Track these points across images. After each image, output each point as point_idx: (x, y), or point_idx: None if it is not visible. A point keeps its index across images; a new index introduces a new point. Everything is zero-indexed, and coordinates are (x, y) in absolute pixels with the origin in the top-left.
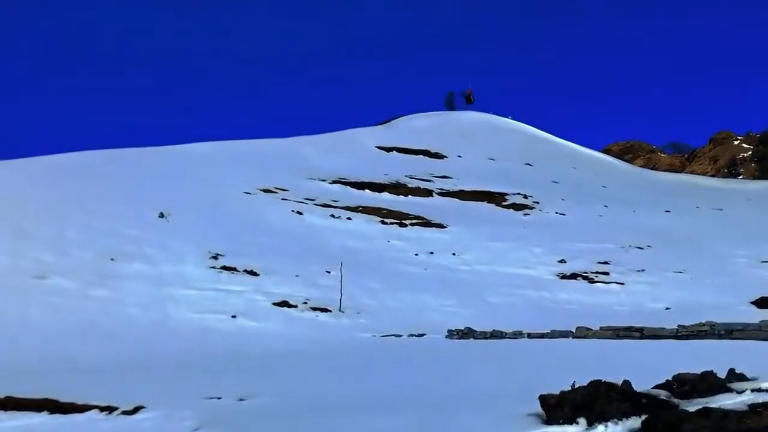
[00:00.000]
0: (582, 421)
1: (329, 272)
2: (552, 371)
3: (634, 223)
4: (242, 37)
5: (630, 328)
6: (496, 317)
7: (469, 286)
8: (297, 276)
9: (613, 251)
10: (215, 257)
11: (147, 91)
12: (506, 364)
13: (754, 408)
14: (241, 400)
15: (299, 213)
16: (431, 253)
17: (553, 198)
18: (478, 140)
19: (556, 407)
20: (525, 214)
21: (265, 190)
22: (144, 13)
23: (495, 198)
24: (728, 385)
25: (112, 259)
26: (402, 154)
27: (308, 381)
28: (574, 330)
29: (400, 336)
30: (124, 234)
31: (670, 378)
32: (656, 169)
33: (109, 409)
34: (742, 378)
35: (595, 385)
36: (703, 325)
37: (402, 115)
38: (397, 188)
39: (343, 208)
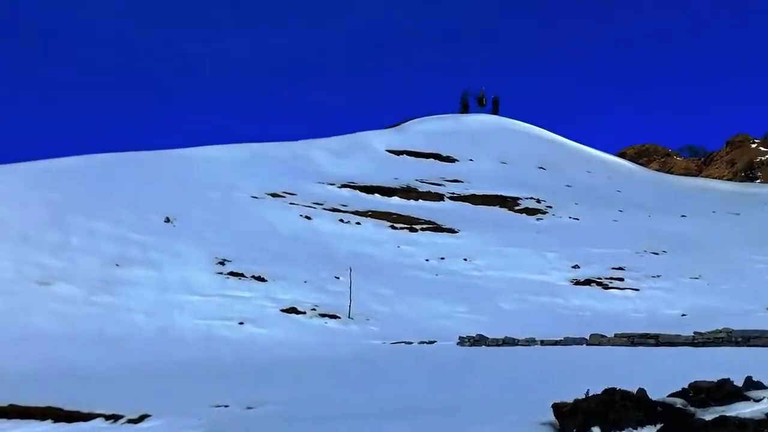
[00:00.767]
0: (596, 429)
1: (338, 278)
2: (565, 379)
3: (649, 227)
4: (248, 37)
5: (645, 335)
6: (509, 324)
7: (480, 292)
8: (305, 282)
9: (628, 257)
10: (222, 263)
11: (153, 93)
12: (519, 372)
13: None
14: (249, 408)
15: (308, 218)
16: (442, 258)
17: (567, 202)
18: (490, 143)
19: (569, 416)
20: (538, 219)
21: (273, 195)
22: (148, 13)
23: (507, 202)
24: (745, 393)
25: (117, 265)
26: (412, 158)
27: (317, 389)
28: (587, 337)
29: (411, 343)
30: (129, 239)
31: (686, 386)
32: (672, 173)
33: (114, 418)
34: (759, 386)
35: (610, 393)
36: (720, 332)
37: (413, 118)
38: (408, 192)
39: (352, 212)
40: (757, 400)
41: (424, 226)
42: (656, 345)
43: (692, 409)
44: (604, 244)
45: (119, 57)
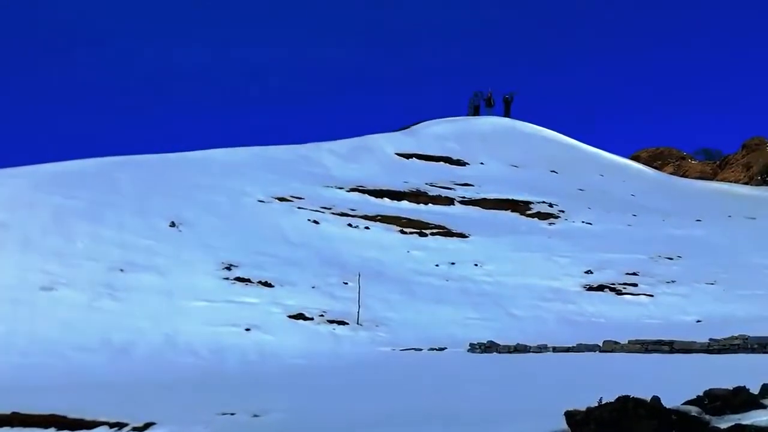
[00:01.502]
0: None
1: (347, 284)
2: (578, 386)
3: (663, 232)
4: (254, 39)
5: (659, 342)
6: (520, 330)
7: (491, 298)
8: (313, 287)
9: (642, 262)
10: (228, 268)
11: (158, 96)
12: (531, 379)
13: None
14: (256, 416)
15: (315, 222)
16: (452, 263)
17: (580, 206)
18: (501, 146)
19: (582, 424)
20: (550, 224)
21: (281, 199)
22: (153, 19)
23: (519, 206)
24: (762, 401)
25: (121, 270)
26: (422, 161)
27: (325, 396)
28: (601, 344)
29: (420, 350)
30: (134, 244)
31: (701, 394)
32: (687, 177)
33: (119, 426)
34: None
35: (623, 401)
36: (736, 338)
37: (422, 121)
38: (418, 196)
39: (361, 217)
40: None
41: (434, 230)
42: (671, 352)
43: (707, 417)
44: (617, 249)
45: (125, 60)
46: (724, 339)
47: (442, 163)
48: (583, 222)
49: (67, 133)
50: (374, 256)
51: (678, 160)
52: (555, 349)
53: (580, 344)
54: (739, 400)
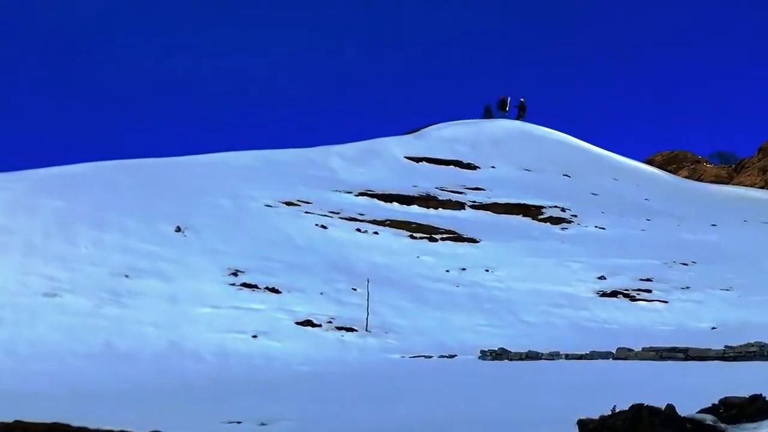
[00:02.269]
0: None
1: (355, 289)
2: (591, 394)
3: (678, 237)
4: (260, 40)
5: (674, 349)
6: (532, 337)
7: (503, 304)
8: (321, 293)
9: (656, 267)
10: (235, 273)
11: (162, 100)
12: (543, 387)
13: None
14: (263, 424)
15: (323, 227)
16: (463, 269)
17: (593, 211)
18: (512, 150)
19: None
20: (563, 228)
21: (288, 203)
22: (156, 24)
23: (531, 211)
24: None
25: (126, 276)
26: (432, 165)
27: (333, 404)
28: (614, 351)
29: (431, 357)
30: (139, 249)
31: (716, 402)
32: (702, 181)
33: None
34: None
35: (637, 409)
36: (752, 345)
37: (432, 124)
38: (427, 201)
39: (369, 221)
40: None
41: (445, 235)
42: (685, 359)
43: (723, 425)
44: (631, 254)
45: (128, 63)
46: (740, 346)
47: (452, 166)
48: (596, 227)
49: (70, 137)
50: (383, 261)
51: (693, 163)
52: (567, 357)
53: (593, 351)
54: (755, 408)
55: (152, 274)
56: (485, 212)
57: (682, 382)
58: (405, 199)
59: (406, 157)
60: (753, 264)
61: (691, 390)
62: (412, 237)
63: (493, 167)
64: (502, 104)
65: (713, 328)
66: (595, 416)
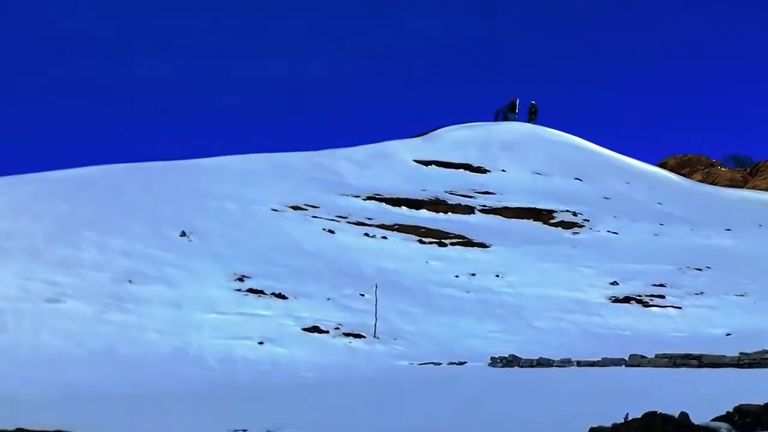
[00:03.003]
0: None
1: (363, 295)
2: (603, 402)
3: (692, 242)
4: (264, 42)
5: (687, 356)
6: (543, 344)
7: (513, 310)
8: (328, 299)
9: (670, 273)
10: (241, 279)
11: (166, 103)
12: (554, 394)
13: None
14: None
15: (331, 232)
16: (473, 274)
17: (605, 215)
18: (523, 153)
19: None
20: (574, 233)
21: (295, 207)
22: (159, 25)
23: (542, 215)
24: None
25: (129, 281)
26: (441, 169)
27: (340, 412)
28: (627, 358)
29: (440, 364)
30: (143, 254)
31: (731, 409)
32: (716, 184)
33: None
34: None
35: (650, 417)
36: (767, 352)
37: (441, 127)
38: (437, 205)
39: (378, 226)
40: None
41: (454, 240)
42: (699, 366)
43: None
44: (644, 259)
45: (130, 65)
46: (755, 352)
47: (462, 170)
48: (608, 231)
49: (74, 140)
50: (392, 266)
51: (707, 167)
52: (579, 363)
53: (606, 358)
54: None
55: (157, 280)
56: (495, 216)
57: (695, 389)
58: (414, 203)
59: (414, 161)
60: None
61: (705, 397)
62: (421, 242)
63: (503, 171)
64: (512, 106)
65: (728, 334)
66: (608, 424)
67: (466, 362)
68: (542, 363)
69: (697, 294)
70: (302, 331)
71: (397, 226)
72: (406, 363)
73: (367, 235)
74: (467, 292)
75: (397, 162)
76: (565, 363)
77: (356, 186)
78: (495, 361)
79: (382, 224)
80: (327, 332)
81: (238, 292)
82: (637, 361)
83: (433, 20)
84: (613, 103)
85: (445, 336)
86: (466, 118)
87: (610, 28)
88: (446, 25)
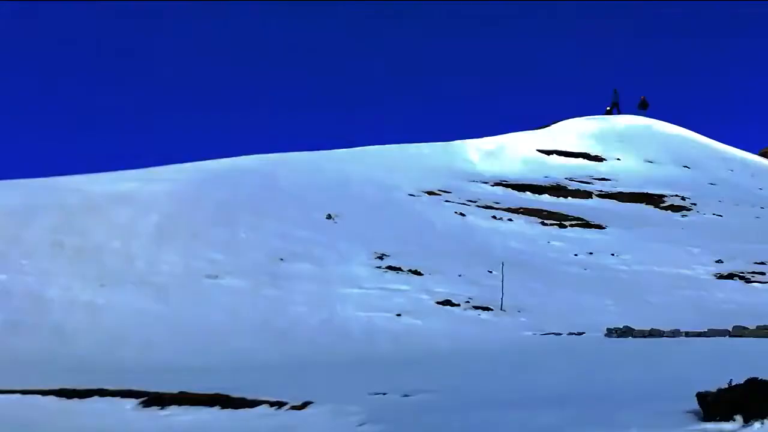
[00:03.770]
0: (738, 418)
1: (491, 272)
2: (709, 369)
3: None
4: (401, 33)
5: None
6: (655, 316)
7: (627, 286)
8: (460, 276)
9: None
10: (380, 257)
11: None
12: (664, 362)
13: None
14: (406, 396)
15: (462, 215)
16: (590, 253)
17: (710, 200)
18: (636, 143)
19: (713, 405)
20: (683, 216)
21: (429, 192)
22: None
23: (653, 199)
24: None
25: (281, 259)
26: (562, 157)
27: (471, 377)
28: (730, 329)
29: (560, 334)
30: (293, 235)
31: None
32: None
33: (279, 404)
34: None
35: (752, 382)
36: None
37: (560, 120)
38: (558, 190)
39: (504, 209)
40: None
41: (573, 222)
42: None
43: None
44: (746, 239)
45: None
46: None
47: (580, 159)
48: (713, 214)
49: (235, 132)
50: (517, 246)
51: None
52: (687, 334)
53: (711, 329)
54: None
55: (305, 258)
56: (611, 201)
57: None
58: (537, 189)
59: (537, 150)
60: None
61: None
62: (543, 224)
63: (618, 159)
64: (643, 103)
65: None
66: (713, 389)
67: (584, 333)
68: (654, 334)
69: None
70: (436, 305)
71: (521, 210)
72: (529, 333)
73: (494, 217)
74: (585, 269)
75: (521, 151)
76: (675, 334)
77: (485, 173)
78: (610, 332)
79: (509, 208)
80: (458, 305)
81: (378, 269)
82: (739, 332)
83: (545, 22)
84: (719, 95)
85: (565, 309)
86: (581, 112)
87: (712, 21)
88: (557, 26)
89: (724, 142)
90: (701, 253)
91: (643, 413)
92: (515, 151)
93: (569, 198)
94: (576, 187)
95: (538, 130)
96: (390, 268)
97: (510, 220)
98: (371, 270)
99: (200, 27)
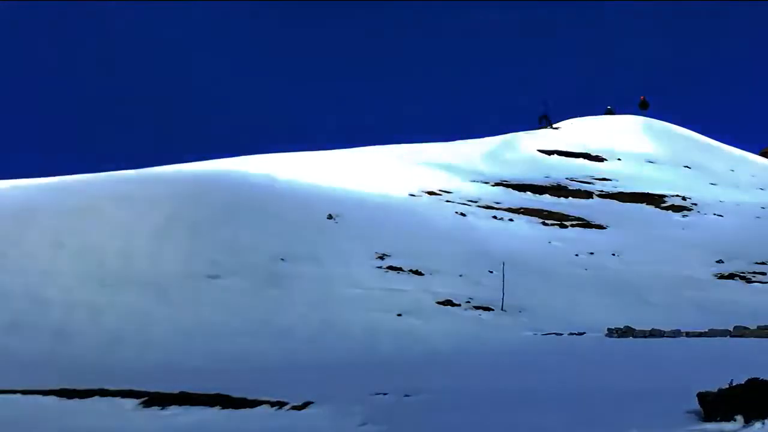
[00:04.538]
0: (739, 418)
1: (491, 272)
2: (710, 369)
3: None
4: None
5: None
6: (656, 316)
7: (629, 286)
8: (460, 276)
9: None
10: (381, 257)
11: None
12: (665, 362)
13: None
14: (407, 396)
15: (462, 215)
16: (591, 253)
17: (711, 200)
18: (637, 143)
19: (713, 404)
20: (683, 216)
21: (430, 193)
22: None
23: (654, 200)
24: None
25: (282, 260)
26: (563, 157)
27: (471, 378)
28: (731, 329)
29: (561, 334)
30: (294, 235)
31: None
32: None
33: (279, 405)
34: None
35: (753, 383)
36: None
37: (562, 120)
38: (558, 190)
39: (505, 209)
40: None
41: (574, 222)
42: None
43: None
44: (747, 239)
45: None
46: None
47: (581, 159)
48: (714, 214)
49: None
50: (517, 246)
51: None
52: (688, 334)
53: (712, 329)
54: None
55: (306, 259)
56: (611, 201)
57: None
58: (538, 189)
59: (538, 150)
60: None
61: None
62: (544, 224)
63: (619, 159)
64: (643, 103)
65: None
66: (714, 389)
67: (584, 333)
68: (654, 334)
69: None
70: (437, 305)
71: (522, 210)
72: (530, 333)
73: (495, 217)
74: (586, 269)
75: (522, 151)
76: (675, 334)
77: (485, 173)
78: (611, 332)
79: (509, 208)
80: (459, 305)
81: (380, 269)
82: (740, 332)
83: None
84: (719, 96)
85: (566, 309)
86: (582, 112)
87: (710, 26)
88: (558, 25)
89: (724, 142)
90: (701, 253)
91: (644, 413)
92: (515, 151)
93: (570, 198)
94: (577, 187)
95: (539, 131)
96: (391, 268)
97: (511, 220)
98: (372, 270)
99: (199, 26)
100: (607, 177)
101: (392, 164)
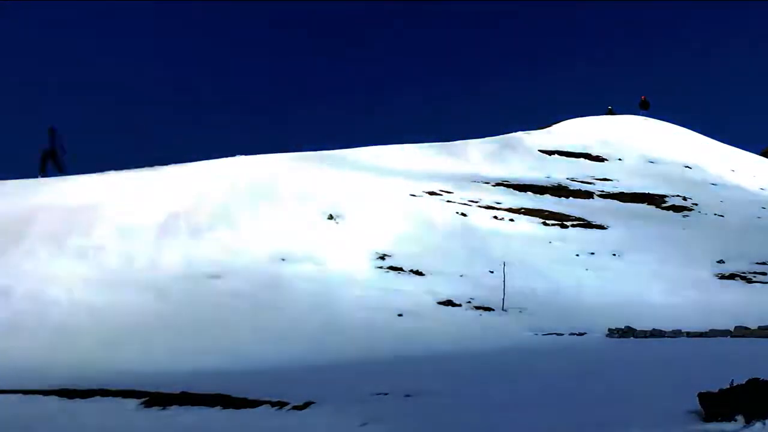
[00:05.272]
0: (740, 418)
1: (492, 272)
2: (711, 369)
3: None
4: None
5: None
6: (656, 316)
7: (630, 286)
8: (461, 276)
9: None
10: (382, 257)
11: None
12: (666, 362)
13: None
14: (408, 396)
15: (463, 215)
16: (592, 253)
17: (712, 200)
18: (637, 143)
19: (714, 405)
20: (684, 216)
21: (431, 193)
22: None
23: (654, 200)
24: None
25: (282, 260)
26: (563, 157)
27: (472, 378)
28: (732, 329)
29: (562, 334)
30: (294, 235)
31: None
32: None
33: (280, 405)
34: None
35: (754, 383)
36: None
37: (562, 120)
38: (559, 191)
39: (506, 209)
40: None
41: (575, 222)
42: None
43: None
44: (748, 239)
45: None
46: None
47: (582, 159)
48: (715, 214)
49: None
50: (518, 246)
51: None
52: (689, 334)
53: (713, 329)
54: None
55: (306, 258)
56: (612, 201)
57: None
58: (538, 189)
59: (539, 150)
60: None
61: None
62: (544, 224)
63: (620, 159)
64: (644, 103)
65: None
66: (715, 389)
67: (585, 333)
68: (655, 334)
69: None
70: (437, 305)
71: (523, 210)
72: (531, 333)
73: (495, 217)
74: (586, 269)
75: (522, 152)
76: (676, 334)
77: (486, 173)
78: (612, 332)
79: (510, 208)
80: (460, 305)
81: (380, 269)
82: (741, 332)
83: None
84: (719, 95)
85: (566, 309)
86: (583, 112)
87: (710, 26)
88: (557, 25)
89: (725, 142)
90: (702, 253)
91: (644, 413)
92: (516, 152)
93: (571, 198)
94: (577, 188)
95: (539, 130)
96: (391, 268)
97: (511, 220)
98: (373, 270)
99: (199, 25)
100: (607, 177)
101: (393, 164)
